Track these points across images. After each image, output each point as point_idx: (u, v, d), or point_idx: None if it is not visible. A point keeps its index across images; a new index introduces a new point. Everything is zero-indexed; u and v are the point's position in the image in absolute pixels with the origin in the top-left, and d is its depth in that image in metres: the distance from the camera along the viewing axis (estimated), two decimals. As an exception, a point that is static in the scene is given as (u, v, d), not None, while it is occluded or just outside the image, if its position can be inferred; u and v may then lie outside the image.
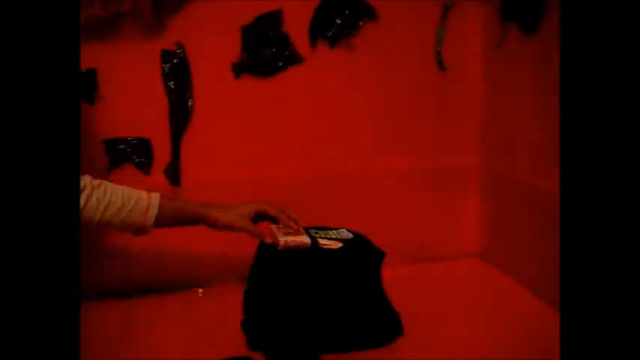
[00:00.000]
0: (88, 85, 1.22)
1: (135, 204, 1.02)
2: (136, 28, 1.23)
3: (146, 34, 1.24)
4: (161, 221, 1.05)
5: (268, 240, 1.07)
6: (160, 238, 1.16)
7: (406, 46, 1.38)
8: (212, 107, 1.31)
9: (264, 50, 1.31)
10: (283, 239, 1.04)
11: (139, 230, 1.05)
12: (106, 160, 1.27)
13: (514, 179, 1.30)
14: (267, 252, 1.07)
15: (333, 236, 1.10)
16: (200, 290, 1.29)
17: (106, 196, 0.99)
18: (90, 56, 1.17)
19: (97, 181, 1.01)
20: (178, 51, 1.27)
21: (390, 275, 1.12)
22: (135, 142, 1.28)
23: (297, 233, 1.07)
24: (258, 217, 1.10)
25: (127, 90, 1.25)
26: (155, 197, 1.05)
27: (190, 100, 1.29)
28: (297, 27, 1.32)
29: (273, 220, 1.11)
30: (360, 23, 1.34)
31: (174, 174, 1.31)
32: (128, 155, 1.28)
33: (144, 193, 1.04)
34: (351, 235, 1.12)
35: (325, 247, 1.06)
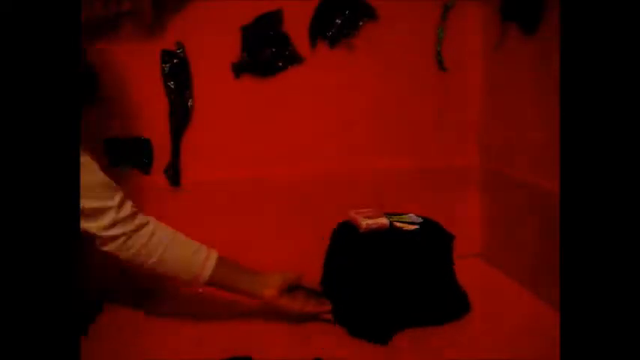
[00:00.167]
0: (88, 85, 1.22)
1: (192, 254, 1.04)
2: (136, 28, 1.23)
3: (146, 34, 1.24)
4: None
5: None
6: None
7: (406, 46, 1.38)
8: (212, 107, 1.31)
9: (264, 50, 1.31)
10: (365, 222, 1.14)
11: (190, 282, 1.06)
12: (106, 160, 1.26)
13: (514, 179, 1.30)
14: (350, 233, 1.16)
15: (406, 220, 1.20)
16: (200, 290, 1.29)
17: (166, 238, 1.02)
18: (90, 56, 1.17)
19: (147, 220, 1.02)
20: (178, 51, 1.27)
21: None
22: (135, 142, 1.28)
23: (375, 216, 1.17)
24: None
25: (127, 90, 1.25)
26: (213, 253, 1.06)
27: (190, 100, 1.29)
28: (297, 27, 1.32)
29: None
30: (360, 23, 1.34)
31: (174, 174, 1.31)
32: (128, 155, 1.28)
33: (203, 247, 1.06)
34: (420, 219, 1.21)
35: (403, 228, 1.15)
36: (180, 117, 1.29)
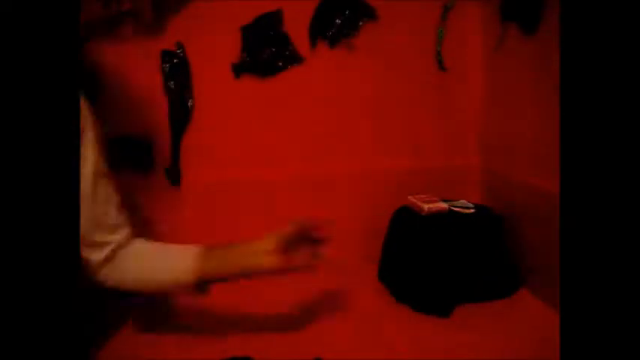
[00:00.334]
0: (88, 86, 1.22)
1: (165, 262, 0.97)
2: (136, 28, 1.23)
3: (146, 34, 1.24)
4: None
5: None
6: (159, 237, 1.15)
7: (406, 46, 1.38)
8: (212, 107, 1.31)
9: (264, 50, 1.31)
10: (427, 206, 1.23)
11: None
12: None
13: (514, 179, 1.30)
14: (411, 217, 1.26)
15: (460, 205, 1.29)
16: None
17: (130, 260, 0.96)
18: (90, 56, 1.17)
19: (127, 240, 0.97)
20: (178, 51, 1.27)
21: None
22: (135, 142, 1.28)
23: (434, 201, 1.26)
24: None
25: (127, 90, 1.25)
26: (191, 251, 0.97)
27: (190, 100, 1.29)
28: (297, 27, 1.32)
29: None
30: (360, 23, 1.34)
31: (174, 174, 1.31)
32: (128, 155, 1.28)
33: (183, 249, 0.97)
34: (471, 204, 1.30)
35: (462, 212, 1.25)
36: (180, 117, 1.29)
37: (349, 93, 1.38)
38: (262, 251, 0.96)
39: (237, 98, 1.32)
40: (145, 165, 1.30)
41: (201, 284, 0.98)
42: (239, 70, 1.31)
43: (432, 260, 1.17)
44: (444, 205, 1.26)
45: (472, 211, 1.27)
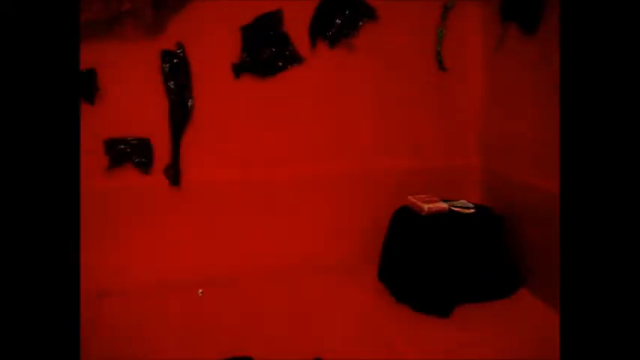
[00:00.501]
0: (87, 85, 1.22)
1: None
2: (136, 28, 1.23)
3: (146, 34, 1.24)
4: None
5: None
6: (159, 237, 1.16)
7: (406, 46, 1.38)
8: (212, 107, 1.31)
9: (264, 50, 1.31)
10: (427, 206, 1.23)
11: None
12: (106, 160, 1.26)
13: (514, 179, 1.30)
14: (411, 217, 1.26)
15: (460, 205, 1.30)
16: (200, 290, 1.29)
17: None
18: (90, 56, 1.17)
19: None
20: (178, 51, 1.27)
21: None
22: (135, 142, 1.28)
23: (434, 201, 1.25)
24: None
25: (127, 90, 1.25)
26: None
27: (190, 100, 1.29)
28: (297, 27, 1.32)
29: None
30: (360, 23, 1.34)
31: (174, 174, 1.31)
32: (128, 155, 1.28)
33: None
34: (471, 204, 1.30)
35: (461, 212, 1.26)
36: (180, 117, 1.29)
37: (349, 93, 1.38)
38: None
39: (237, 98, 1.32)
40: (145, 165, 1.30)
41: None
42: (239, 70, 1.30)
43: (432, 260, 1.18)
44: (444, 205, 1.26)
45: (472, 211, 1.28)
